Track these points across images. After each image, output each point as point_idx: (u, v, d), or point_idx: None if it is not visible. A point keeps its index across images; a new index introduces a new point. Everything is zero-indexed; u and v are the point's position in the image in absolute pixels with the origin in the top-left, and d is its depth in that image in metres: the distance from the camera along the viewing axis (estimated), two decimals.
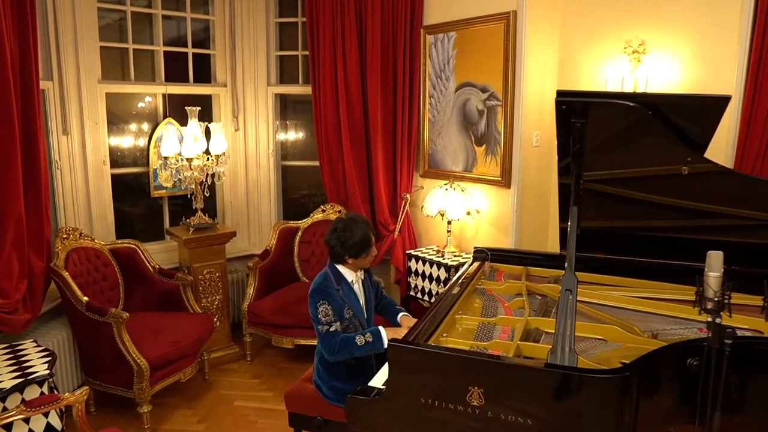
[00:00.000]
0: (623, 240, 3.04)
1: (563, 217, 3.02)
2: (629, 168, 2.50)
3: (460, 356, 1.90)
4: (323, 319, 2.58)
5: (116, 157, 4.35)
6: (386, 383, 2.03)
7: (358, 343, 2.56)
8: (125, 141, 4.43)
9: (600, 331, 2.39)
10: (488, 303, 2.75)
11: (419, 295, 4.17)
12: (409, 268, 4.23)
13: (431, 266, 4.05)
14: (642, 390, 1.87)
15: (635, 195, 2.69)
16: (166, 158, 3.88)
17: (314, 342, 3.89)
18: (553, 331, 2.39)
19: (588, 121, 1.96)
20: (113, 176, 4.25)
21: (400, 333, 2.60)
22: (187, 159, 3.83)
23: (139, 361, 3.11)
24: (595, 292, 2.85)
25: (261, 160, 4.87)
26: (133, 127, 4.47)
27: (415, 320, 2.87)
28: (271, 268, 4.29)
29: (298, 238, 4.50)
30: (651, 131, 1.94)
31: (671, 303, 2.67)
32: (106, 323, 3.13)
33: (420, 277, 4.14)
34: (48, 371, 2.57)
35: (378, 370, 2.71)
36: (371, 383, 2.25)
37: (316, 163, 4.78)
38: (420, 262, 4.14)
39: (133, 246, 3.87)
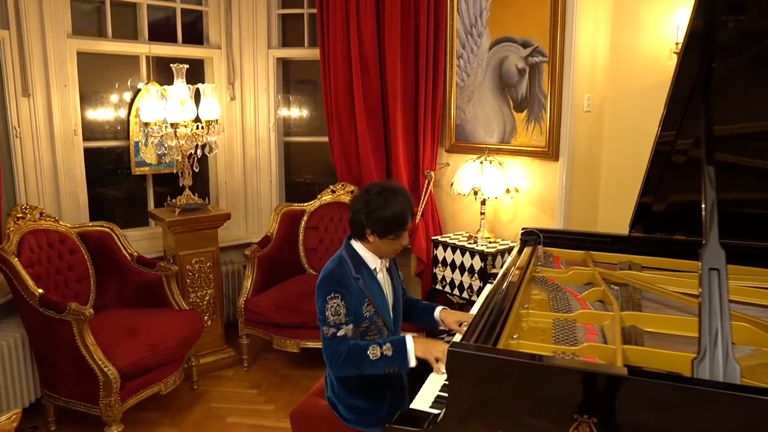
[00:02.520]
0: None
1: (647, 188, 2.41)
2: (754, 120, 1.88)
3: (567, 369, 1.25)
4: (331, 318, 1.94)
5: (92, 130, 3.72)
6: (444, 408, 1.38)
7: (371, 356, 1.89)
8: (102, 112, 3.79)
9: None
10: (555, 295, 2.12)
11: (447, 288, 3.53)
12: (435, 256, 3.59)
13: (462, 254, 3.41)
14: None
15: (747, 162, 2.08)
16: (146, 125, 3.24)
17: None
18: (655, 330, 1.81)
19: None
20: (88, 152, 3.63)
21: (431, 349, 1.87)
22: (172, 125, 3.19)
23: (105, 369, 2.47)
24: (687, 280, 2.22)
25: (260, 134, 4.23)
26: (113, 98, 3.83)
27: (461, 314, 2.24)
28: (272, 257, 3.65)
29: (303, 222, 3.86)
30: None
31: None
32: (64, 322, 2.49)
33: (448, 267, 3.50)
34: None
35: (409, 384, 2.08)
36: (415, 405, 1.60)
37: (324, 139, 4.15)
38: (448, 249, 3.50)
39: (107, 229, 3.23)
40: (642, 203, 2.47)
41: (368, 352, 1.88)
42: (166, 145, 3.25)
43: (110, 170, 3.88)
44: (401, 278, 2.32)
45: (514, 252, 2.60)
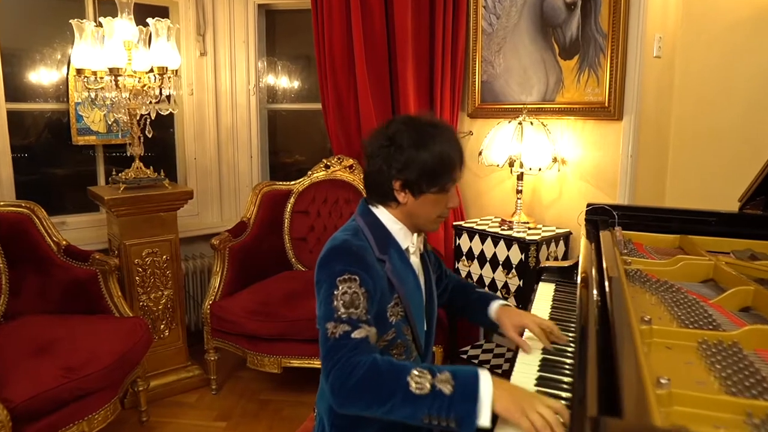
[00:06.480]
0: None
1: None
2: None
3: None
4: (342, 310, 1.14)
5: (23, 90, 2.94)
6: None
7: (413, 385, 1.03)
8: (36, 69, 3.00)
9: None
10: (673, 298, 1.34)
11: None
12: (458, 247, 2.80)
13: (495, 244, 2.62)
14: None
15: None
16: (80, 73, 2.45)
17: (315, 364, 2.48)
18: None
19: None
20: (16, 116, 2.86)
21: (531, 403, 1.00)
22: (111, 70, 2.41)
23: None
24: None
25: (238, 98, 3.44)
26: (51, 52, 3.04)
27: (525, 317, 1.46)
28: (249, 248, 2.87)
29: (289, 206, 3.07)
30: None
31: None
32: None
33: (475, 260, 2.72)
34: None
35: None
36: None
37: (317, 106, 3.37)
38: (475, 238, 2.71)
39: (26, 211, 2.44)
40: None
41: (409, 378, 1.04)
42: (106, 97, 2.47)
43: (49, 141, 3.10)
44: (442, 262, 1.57)
45: (583, 238, 1.84)
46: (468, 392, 1.01)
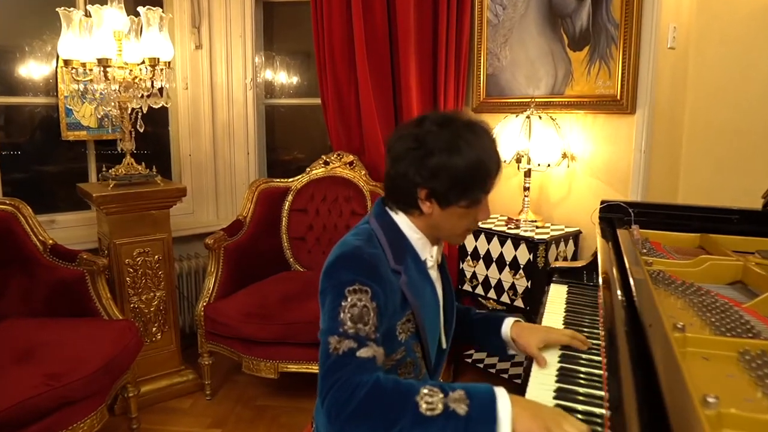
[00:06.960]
0: None
1: None
2: None
3: None
4: (348, 324, 1.01)
5: (10, 85, 2.84)
6: None
7: (423, 406, 0.90)
8: (24, 61, 2.90)
9: None
10: (702, 301, 1.23)
11: (479, 289, 2.64)
12: (463, 246, 2.69)
13: (501, 243, 2.51)
14: None
15: None
16: (66, 63, 2.34)
17: (314, 369, 2.37)
18: None
19: None
20: (2, 111, 2.76)
21: (559, 422, 0.89)
22: (99, 61, 2.29)
23: None
24: None
25: (234, 93, 3.33)
26: (41, 46, 2.93)
27: (547, 331, 1.34)
28: (245, 248, 2.76)
29: (287, 204, 2.96)
30: None
31: None
32: None
33: (481, 260, 2.61)
34: None
35: None
36: None
37: (316, 101, 3.27)
38: (481, 237, 2.60)
39: (9, 208, 2.33)
40: None
41: (418, 398, 0.92)
42: (96, 90, 2.36)
43: (38, 137, 2.98)
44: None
45: (599, 237, 1.73)
46: (486, 412, 0.90)
